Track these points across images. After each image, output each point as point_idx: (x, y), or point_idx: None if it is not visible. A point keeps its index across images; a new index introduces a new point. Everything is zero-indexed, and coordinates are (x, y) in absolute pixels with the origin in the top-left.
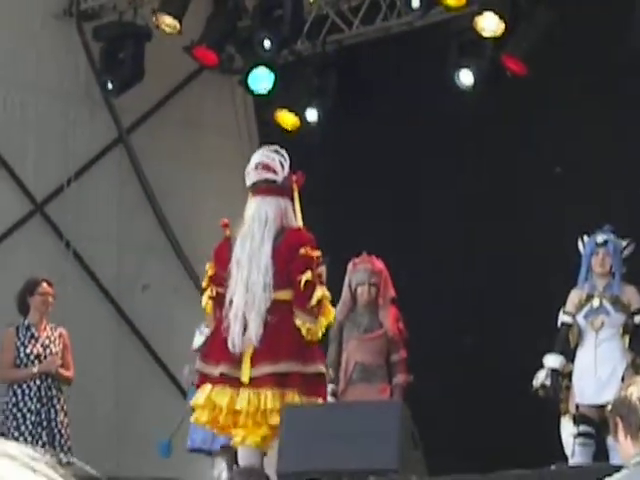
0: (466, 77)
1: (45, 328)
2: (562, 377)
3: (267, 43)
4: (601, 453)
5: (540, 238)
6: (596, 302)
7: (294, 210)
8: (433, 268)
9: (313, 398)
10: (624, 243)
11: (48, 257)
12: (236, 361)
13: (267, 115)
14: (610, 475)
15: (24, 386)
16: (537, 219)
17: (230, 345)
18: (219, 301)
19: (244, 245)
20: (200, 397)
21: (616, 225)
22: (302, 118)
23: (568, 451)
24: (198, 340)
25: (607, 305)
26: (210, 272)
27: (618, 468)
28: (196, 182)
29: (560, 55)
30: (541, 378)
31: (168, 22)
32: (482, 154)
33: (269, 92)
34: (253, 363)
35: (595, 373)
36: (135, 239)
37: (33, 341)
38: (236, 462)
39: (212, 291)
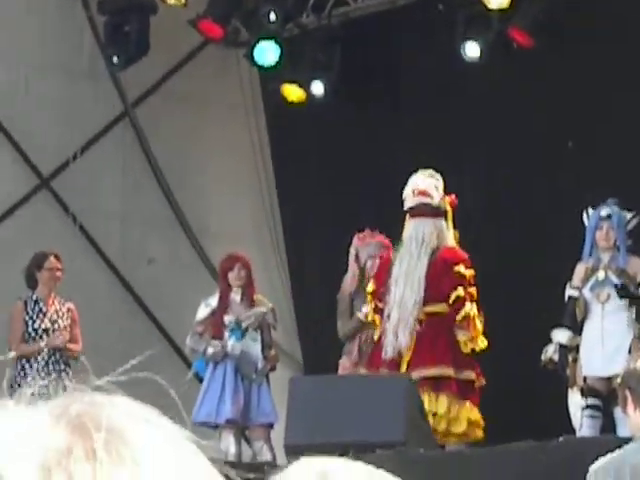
0: (472, 50)
1: (53, 302)
2: (570, 350)
3: (272, 16)
4: (609, 425)
5: (550, 211)
6: (601, 275)
7: (448, 229)
8: None
9: (465, 402)
10: (629, 215)
11: (54, 231)
12: (395, 367)
13: (273, 88)
14: (619, 447)
15: (32, 360)
16: (546, 193)
17: (384, 353)
18: (380, 314)
19: (402, 264)
20: None
21: (625, 198)
22: (308, 91)
23: (576, 423)
24: (203, 312)
25: (612, 277)
26: (370, 289)
27: (627, 440)
28: (201, 156)
29: (568, 27)
30: (550, 352)
31: None
32: (491, 126)
33: (275, 65)
34: (409, 369)
35: (602, 345)
36: (140, 213)
37: (41, 315)
38: (243, 436)
39: (374, 305)
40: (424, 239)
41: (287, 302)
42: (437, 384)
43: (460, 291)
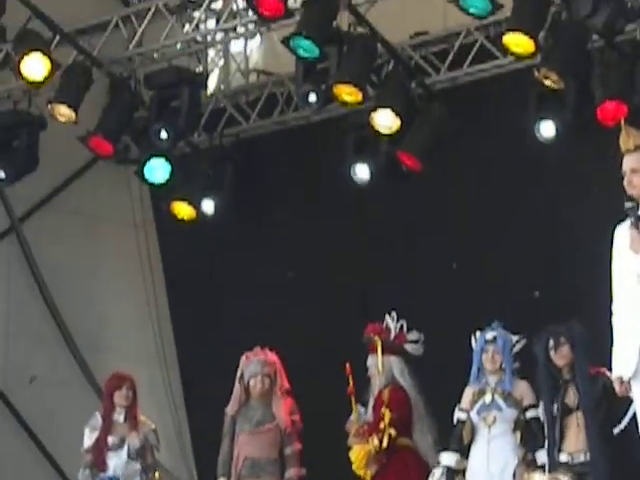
0: (362, 172)
1: None
2: (457, 473)
3: (164, 134)
4: None
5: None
6: (488, 397)
7: None
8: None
9: None
10: (515, 338)
11: None
12: None
13: (163, 206)
14: None
15: None
16: (432, 318)
17: None
18: None
19: None
20: None
21: (514, 321)
22: (198, 210)
23: None
24: (89, 438)
25: (499, 400)
26: None
27: None
28: (91, 273)
29: (452, 151)
30: (437, 475)
31: (63, 112)
32: (375, 246)
33: (166, 183)
34: None
35: (488, 469)
36: (24, 331)
37: None
38: None
39: None
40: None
41: (174, 421)
42: None
43: None
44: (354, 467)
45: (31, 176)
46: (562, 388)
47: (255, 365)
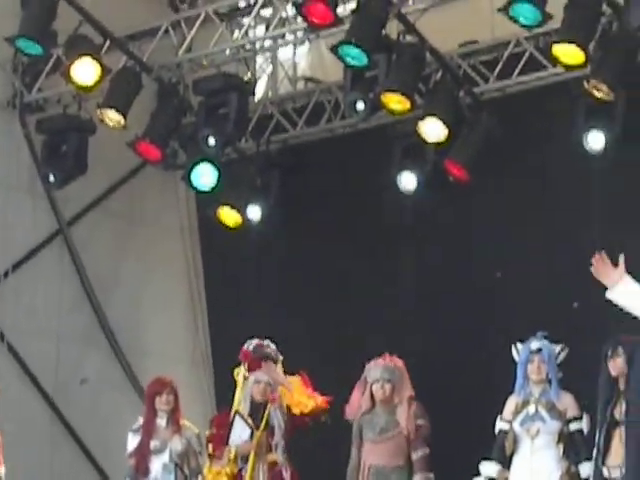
0: (409, 181)
1: None
2: None
3: (211, 140)
4: None
5: (482, 346)
6: (532, 409)
7: None
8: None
9: None
10: (558, 348)
11: None
12: None
13: (209, 212)
14: None
15: None
16: (476, 328)
17: None
18: None
19: None
20: None
21: (551, 331)
22: (244, 216)
23: None
24: (132, 441)
25: (543, 412)
26: None
27: None
28: (137, 277)
29: (501, 161)
30: None
31: (112, 116)
32: (422, 256)
33: (212, 189)
34: None
35: None
36: (74, 333)
37: None
38: None
39: None
40: None
41: None
42: None
43: None
44: None
45: (80, 180)
46: (614, 399)
47: (376, 370)
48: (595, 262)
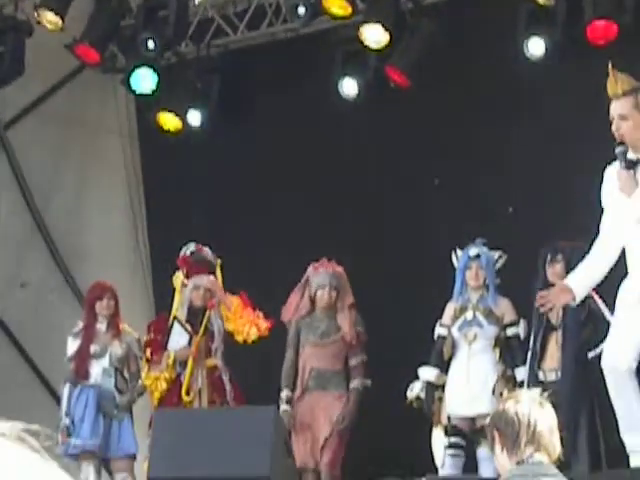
0: (350, 86)
1: None
2: (436, 388)
3: (151, 43)
4: (471, 465)
5: (420, 251)
6: (469, 314)
7: None
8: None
9: None
10: (496, 255)
11: None
12: None
13: (149, 116)
14: None
15: None
16: (413, 234)
17: None
18: None
19: None
20: None
21: (490, 237)
22: (184, 121)
23: (438, 462)
24: (72, 346)
25: (480, 317)
26: None
27: None
28: (76, 181)
29: (443, 67)
30: (416, 390)
31: (50, 18)
32: (363, 161)
33: (152, 93)
34: None
35: (467, 385)
36: (14, 238)
37: None
38: (107, 468)
39: None
40: None
41: None
42: None
43: None
44: None
45: (17, 83)
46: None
47: (324, 276)
48: (541, 300)
